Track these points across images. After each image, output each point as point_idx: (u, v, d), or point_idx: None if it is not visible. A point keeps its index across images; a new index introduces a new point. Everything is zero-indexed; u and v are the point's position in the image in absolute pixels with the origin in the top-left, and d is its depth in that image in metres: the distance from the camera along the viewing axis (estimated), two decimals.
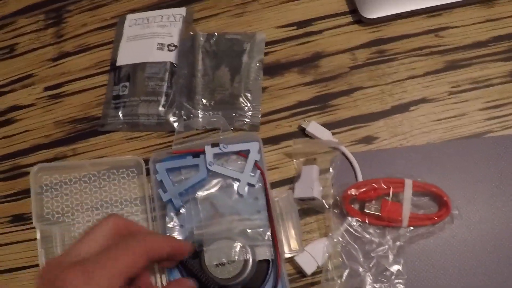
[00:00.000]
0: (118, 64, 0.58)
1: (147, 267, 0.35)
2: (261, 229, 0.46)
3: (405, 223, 0.45)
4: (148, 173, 0.49)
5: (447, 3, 0.54)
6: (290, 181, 0.50)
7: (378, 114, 0.52)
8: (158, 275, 0.45)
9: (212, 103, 0.54)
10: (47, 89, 0.60)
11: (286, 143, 0.52)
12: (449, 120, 0.50)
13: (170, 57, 0.57)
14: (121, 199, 0.51)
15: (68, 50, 0.62)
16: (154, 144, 0.54)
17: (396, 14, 0.54)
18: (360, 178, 0.48)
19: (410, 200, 0.45)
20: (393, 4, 0.54)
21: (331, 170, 0.48)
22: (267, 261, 0.45)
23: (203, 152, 0.48)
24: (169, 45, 0.58)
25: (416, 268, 0.45)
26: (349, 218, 0.46)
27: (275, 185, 0.50)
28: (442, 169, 0.48)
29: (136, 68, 0.57)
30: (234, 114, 0.53)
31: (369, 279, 0.44)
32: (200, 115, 0.54)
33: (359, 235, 0.46)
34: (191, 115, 0.54)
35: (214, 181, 0.48)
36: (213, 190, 0.48)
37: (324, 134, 0.50)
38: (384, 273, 0.44)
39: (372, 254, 0.45)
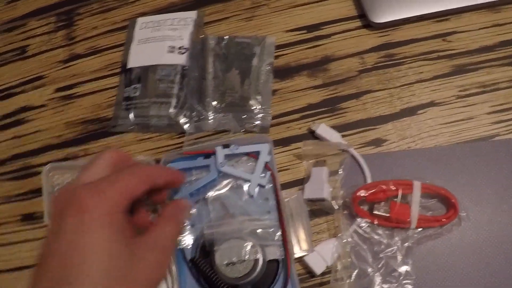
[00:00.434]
0: (129, 66, 0.59)
1: (145, 197, 0.37)
2: (271, 229, 0.46)
3: (413, 224, 0.45)
4: None
5: (454, 8, 0.54)
6: (300, 182, 0.50)
7: (386, 117, 0.52)
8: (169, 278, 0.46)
9: (222, 105, 0.55)
10: (58, 90, 0.60)
11: (296, 145, 0.52)
12: (457, 123, 0.51)
13: (181, 59, 0.58)
14: None
15: (79, 52, 0.62)
16: (165, 145, 0.55)
17: (404, 18, 0.55)
18: (369, 180, 0.49)
19: (418, 202, 0.45)
20: (401, 8, 0.55)
21: (340, 171, 0.49)
22: (277, 261, 0.45)
23: (214, 153, 0.49)
24: (180, 48, 0.58)
25: (424, 269, 0.45)
26: (358, 219, 0.46)
27: (285, 186, 0.50)
28: (450, 171, 0.49)
29: (147, 70, 0.58)
30: (244, 116, 0.53)
31: (377, 280, 0.44)
32: (210, 117, 0.54)
33: (368, 236, 0.46)
34: (202, 117, 0.54)
35: (225, 182, 0.49)
36: (223, 190, 0.49)
37: (333, 136, 0.51)
38: (393, 274, 0.45)
39: (380, 255, 0.45)
